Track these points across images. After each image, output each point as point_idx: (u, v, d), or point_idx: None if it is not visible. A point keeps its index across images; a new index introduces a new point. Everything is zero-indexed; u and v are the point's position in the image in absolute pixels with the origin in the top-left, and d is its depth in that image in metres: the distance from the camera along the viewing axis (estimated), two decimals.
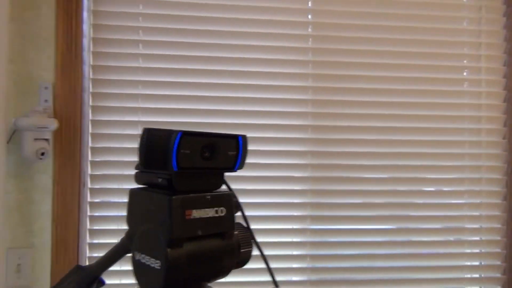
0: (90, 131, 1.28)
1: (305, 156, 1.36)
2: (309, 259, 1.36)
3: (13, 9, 1.21)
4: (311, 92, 1.37)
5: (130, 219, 0.39)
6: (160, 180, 0.37)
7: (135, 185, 0.40)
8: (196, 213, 0.36)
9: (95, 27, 1.30)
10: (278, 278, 1.27)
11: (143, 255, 0.36)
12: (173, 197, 0.35)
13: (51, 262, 1.23)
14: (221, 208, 0.38)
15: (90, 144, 1.28)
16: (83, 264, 1.16)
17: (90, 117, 1.29)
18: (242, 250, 0.40)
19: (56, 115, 1.23)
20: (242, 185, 1.32)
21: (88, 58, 1.29)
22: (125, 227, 0.40)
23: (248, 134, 0.40)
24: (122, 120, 1.30)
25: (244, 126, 1.33)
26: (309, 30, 1.39)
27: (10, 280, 1.20)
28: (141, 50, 1.32)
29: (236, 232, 0.40)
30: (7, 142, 1.17)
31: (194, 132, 0.35)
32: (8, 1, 1.15)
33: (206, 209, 0.36)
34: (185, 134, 0.34)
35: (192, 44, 1.33)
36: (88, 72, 1.28)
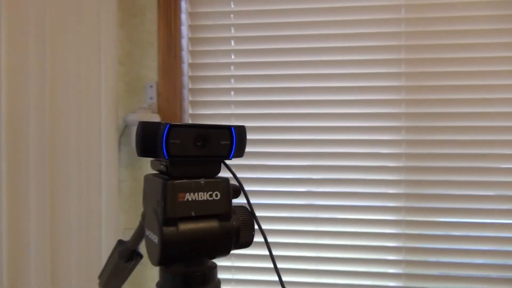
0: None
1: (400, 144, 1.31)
2: (404, 251, 1.31)
3: (122, 17, 1.39)
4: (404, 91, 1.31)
5: (143, 200, 0.46)
6: (161, 166, 0.43)
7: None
8: (189, 196, 0.40)
9: (192, 27, 1.42)
10: (373, 269, 1.26)
11: (149, 232, 0.42)
12: (168, 182, 0.40)
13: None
14: (216, 192, 0.42)
15: None
16: None
17: (190, 111, 1.41)
18: (242, 233, 0.43)
19: (159, 110, 1.38)
20: (338, 175, 1.33)
21: (186, 57, 1.41)
22: None
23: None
24: (217, 113, 1.40)
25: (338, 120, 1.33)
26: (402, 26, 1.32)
27: None
28: (233, 46, 1.40)
29: (238, 216, 0.44)
30: (119, 137, 1.36)
31: (183, 124, 0.40)
32: (116, 9, 1.32)
33: (200, 193, 0.41)
34: (173, 126, 0.39)
35: (282, 37, 1.37)
36: (187, 70, 1.41)
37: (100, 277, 0.58)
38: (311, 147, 1.34)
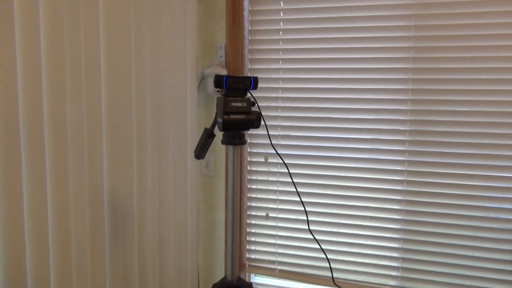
0: (248, 75, 1.99)
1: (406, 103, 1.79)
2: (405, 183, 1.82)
3: None
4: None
5: (216, 108, 1.05)
6: (223, 93, 1.02)
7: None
8: (234, 104, 0.99)
9: (251, 2, 1.96)
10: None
11: (219, 119, 1.02)
12: (226, 97, 0.99)
13: (224, 161, 2.02)
14: (244, 103, 1.00)
15: None
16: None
17: (249, 66, 1.98)
18: (256, 122, 1.02)
19: (226, 66, 1.96)
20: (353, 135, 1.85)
21: (247, 25, 1.97)
22: None
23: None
24: (268, 68, 1.96)
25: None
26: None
27: (202, 171, 2.04)
28: (282, 16, 1.93)
29: (254, 114, 1.02)
30: (198, 85, 1.97)
31: (232, 76, 0.98)
32: None
33: (238, 103, 0.99)
34: (228, 76, 0.98)
35: (323, 8, 1.88)
36: (247, 35, 1.97)
37: (194, 151, 1.19)
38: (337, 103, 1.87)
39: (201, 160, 2.04)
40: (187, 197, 1.89)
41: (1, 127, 0.89)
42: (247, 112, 1.01)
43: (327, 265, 1.94)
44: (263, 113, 1.97)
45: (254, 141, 1.99)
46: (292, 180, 1.95)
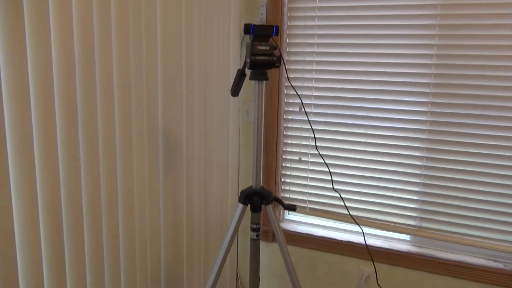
0: (287, 32, 2.22)
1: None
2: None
3: None
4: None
5: (246, 51, 1.31)
6: (252, 39, 1.27)
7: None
8: (259, 47, 1.24)
9: None
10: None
11: (247, 59, 1.28)
12: (252, 42, 1.23)
13: (264, 111, 2.29)
14: (267, 46, 1.25)
15: (286, 39, 2.23)
16: None
17: (287, 23, 2.22)
18: (277, 63, 1.27)
19: (267, 22, 2.21)
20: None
21: None
22: None
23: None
24: (305, 25, 2.18)
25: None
26: None
27: (242, 118, 2.33)
28: None
29: (276, 56, 1.27)
30: (242, 40, 2.23)
31: (258, 25, 1.23)
32: None
33: (263, 46, 1.24)
34: (254, 25, 1.22)
35: None
36: None
37: (231, 90, 1.46)
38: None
39: (243, 109, 2.32)
40: (229, 139, 2.19)
41: (84, 74, 1.20)
42: (270, 54, 1.26)
43: (351, 205, 2.19)
44: (298, 76, 2.21)
45: (291, 92, 2.24)
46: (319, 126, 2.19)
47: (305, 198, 2.30)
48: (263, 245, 2.42)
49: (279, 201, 1.35)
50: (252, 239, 1.41)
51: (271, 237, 2.38)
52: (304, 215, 2.35)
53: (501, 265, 1.95)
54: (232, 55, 2.14)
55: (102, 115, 1.28)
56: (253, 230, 1.40)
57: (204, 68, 1.89)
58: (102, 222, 1.33)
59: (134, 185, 1.45)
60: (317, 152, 2.21)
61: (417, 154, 2.03)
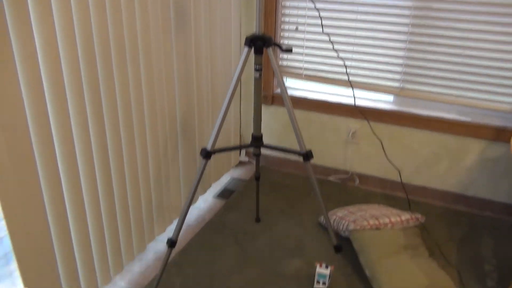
0: None
1: None
2: None
3: None
4: None
5: None
6: None
7: None
8: None
9: None
10: None
11: None
12: None
13: None
14: None
15: None
16: None
17: None
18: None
19: None
20: None
21: None
22: None
23: None
24: None
25: None
26: None
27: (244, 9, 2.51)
28: None
29: None
30: None
31: None
32: None
33: None
34: None
35: None
36: None
37: None
38: None
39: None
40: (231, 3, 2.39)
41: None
42: None
43: (344, 70, 2.47)
44: None
45: None
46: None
47: (301, 65, 2.57)
48: (262, 108, 2.75)
49: (277, 45, 1.58)
50: (255, 78, 1.68)
51: (271, 100, 2.70)
52: (301, 80, 2.64)
53: (469, 119, 2.29)
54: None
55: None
56: (256, 70, 1.66)
57: None
58: (128, 77, 1.62)
59: (152, 40, 1.72)
60: (312, 22, 2.43)
61: (404, 23, 2.25)
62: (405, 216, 2.06)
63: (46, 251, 1.41)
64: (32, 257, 1.35)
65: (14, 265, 1.53)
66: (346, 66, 2.46)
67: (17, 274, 1.42)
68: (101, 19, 1.44)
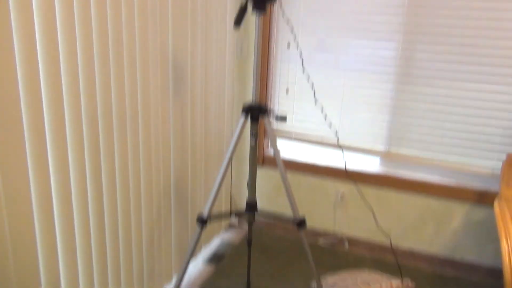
0: None
1: None
2: None
3: None
4: None
5: None
6: None
7: None
8: None
9: None
10: None
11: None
12: None
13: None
14: None
15: None
16: None
17: None
18: None
19: None
20: None
21: None
22: None
23: None
24: None
25: None
26: None
27: (238, 55, 2.65)
28: None
29: None
30: None
31: None
32: None
33: None
34: None
35: None
36: None
37: (234, 21, 1.75)
38: None
39: (236, 45, 2.63)
40: (225, 70, 2.51)
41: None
42: None
43: (333, 132, 2.57)
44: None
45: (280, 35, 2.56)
46: (303, 67, 2.53)
47: (291, 126, 2.68)
48: None
49: (272, 113, 1.68)
50: (251, 146, 1.75)
51: (261, 162, 2.77)
52: (290, 140, 2.74)
53: (452, 181, 2.38)
54: None
55: (127, 56, 1.61)
56: (252, 136, 1.73)
57: (206, 11, 2.19)
58: (127, 139, 1.68)
59: (151, 105, 1.80)
60: (301, 85, 2.56)
61: (389, 86, 2.39)
62: (396, 282, 2.09)
63: None
64: None
65: None
66: (336, 131, 2.56)
67: None
68: (105, 86, 1.52)
